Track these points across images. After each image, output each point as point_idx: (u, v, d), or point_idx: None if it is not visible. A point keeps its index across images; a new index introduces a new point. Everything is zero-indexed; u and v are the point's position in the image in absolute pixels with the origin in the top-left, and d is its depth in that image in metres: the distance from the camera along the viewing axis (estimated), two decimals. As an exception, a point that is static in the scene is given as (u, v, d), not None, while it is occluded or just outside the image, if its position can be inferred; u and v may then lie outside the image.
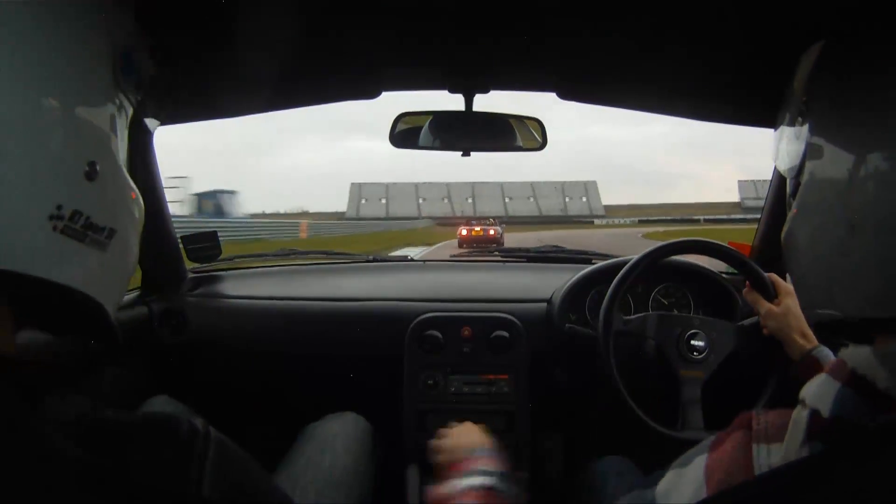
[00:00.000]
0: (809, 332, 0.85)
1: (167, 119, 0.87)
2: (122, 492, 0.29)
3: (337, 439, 0.92)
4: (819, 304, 0.39)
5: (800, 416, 0.35)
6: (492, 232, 16.56)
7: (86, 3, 0.37)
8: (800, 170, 0.40)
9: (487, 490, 0.59)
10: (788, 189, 0.44)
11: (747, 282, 0.92)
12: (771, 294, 0.88)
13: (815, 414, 0.34)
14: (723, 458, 0.38)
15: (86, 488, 0.29)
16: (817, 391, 0.35)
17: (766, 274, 0.90)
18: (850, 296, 0.35)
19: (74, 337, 0.43)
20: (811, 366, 0.81)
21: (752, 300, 0.90)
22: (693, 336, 0.89)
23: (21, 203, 0.32)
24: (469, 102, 0.98)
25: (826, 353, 0.83)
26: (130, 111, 0.42)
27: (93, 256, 0.36)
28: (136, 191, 0.42)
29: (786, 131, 0.43)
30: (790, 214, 0.42)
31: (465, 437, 0.73)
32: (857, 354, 0.34)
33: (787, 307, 0.85)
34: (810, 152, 0.39)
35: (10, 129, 0.31)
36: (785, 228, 0.44)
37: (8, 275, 0.31)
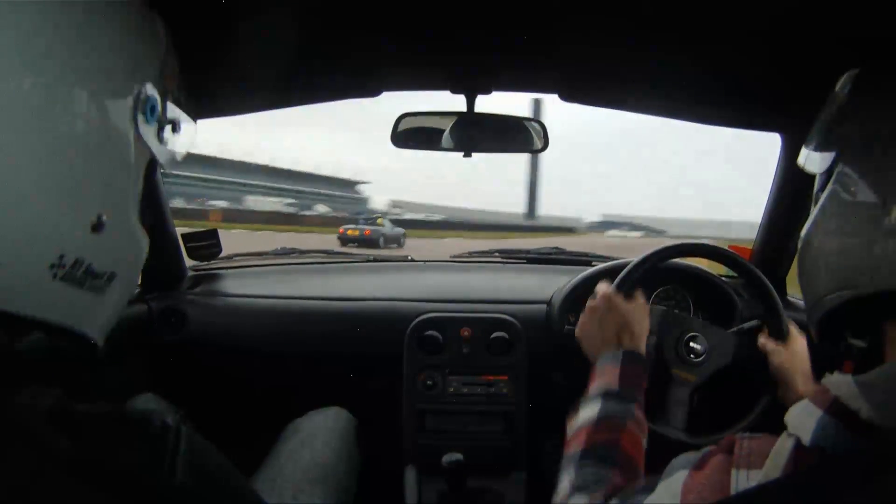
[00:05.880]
0: (811, 376, 0.85)
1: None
2: (101, 479, 0.30)
3: (317, 434, 0.92)
4: (832, 288, 0.41)
5: (783, 445, 0.35)
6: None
7: (108, 53, 0.36)
8: (830, 168, 0.42)
9: (599, 422, 0.61)
10: (816, 186, 0.46)
11: (764, 329, 0.91)
12: (778, 317, 0.88)
13: (798, 444, 0.34)
14: (701, 479, 0.39)
15: (70, 473, 0.29)
16: (799, 417, 0.35)
17: (785, 319, 0.89)
18: (879, 270, 0.37)
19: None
20: None
21: (762, 343, 0.89)
22: (692, 339, 0.89)
23: (24, 251, 0.32)
24: (471, 103, 0.98)
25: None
26: (149, 158, 0.42)
27: (88, 299, 0.37)
28: (142, 234, 0.42)
29: (822, 135, 0.45)
30: (815, 207, 0.45)
31: (597, 328, 0.75)
32: (839, 382, 0.34)
33: (794, 349, 0.85)
34: (845, 149, 0.41)
35: (22, 180, 0.31)
36: (810, 221, 0.46)
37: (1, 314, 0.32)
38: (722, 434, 0.83)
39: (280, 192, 50.37)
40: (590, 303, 0.79)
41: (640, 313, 0.78)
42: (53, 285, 0.34)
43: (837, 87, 0.44)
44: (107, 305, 0.39)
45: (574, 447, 0.60)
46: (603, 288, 0.80)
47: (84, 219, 0.35)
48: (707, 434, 0.86)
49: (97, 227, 0.35)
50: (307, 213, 39.28)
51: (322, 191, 57.20)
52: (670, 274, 1.14)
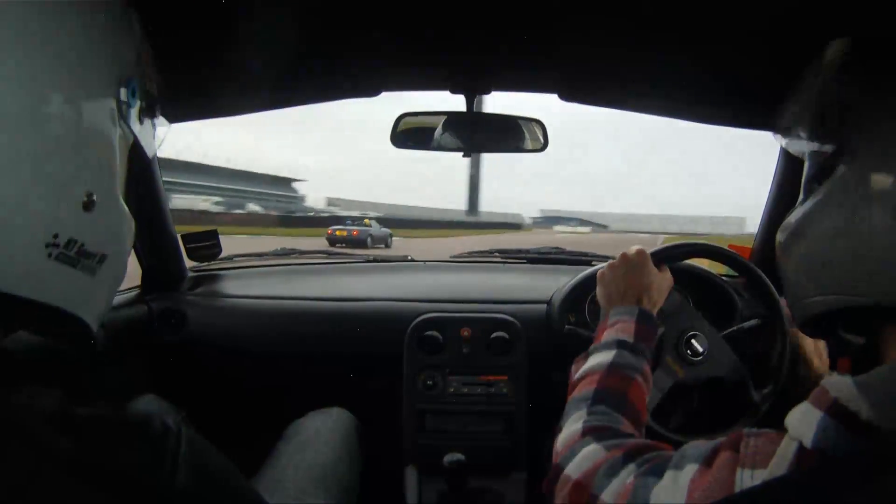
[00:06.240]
0: (825, 357, 0.88)
1: (171, 119, 0.87)
2: (101, 480, 0.30)
3: (319, 435, 0.92)
4: (828, 290, 0.40)
5: (788, 446, 0.35)
6: None
7: (91, 34, 0.37)
8: (830, 155, 0.41)
9: (611, 368, 0.61)
10: (807, 173, 0.44)
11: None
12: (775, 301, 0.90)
13: (801, 447, 0.34)
14: (708, 478, 0.39)
15: (69, 474, 0.29)
16: (800, 420, 0.35)
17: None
18: (879, 279, 0.36)
19: (56, 338, 0.43)
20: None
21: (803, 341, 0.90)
22: (696, 337, 0.89)
23: (20, 230, 0.33)
24: (470, 103, 0.98)
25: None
26: (131, 139, 0.43)
27: (82, 280, 0.37)
28: (129, 215, 0.43)
29: (813, 117, 0.44)
30: (810, 198, 0.43)
31: (621, 280, 0.74)
32: (839, 383, 0.34)
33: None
34: (850, 140, 0.39)
35: (13, 160, 0.32)
36: (801, 210, 0.44)
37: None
38: (683, 436, 0.84)
39: (208, 191, 49.07)
40: (624, 253, 0.78)
41: (664, 284, 0.78)
42: (48, 265, 0.34)
43: (827, 56, 0.42)
44: (99, 287, 0.40)
45: (585, 388, 0.59)
46: (639, 246, 0.80)
47: (75, 198, 0.35)
48: (671, 429, 0.87)
49: (88, 205, 0.36)
50: (238, 211, 38.25)
51: (254, 189, 56.42)
52: (671, 273, 1.14)
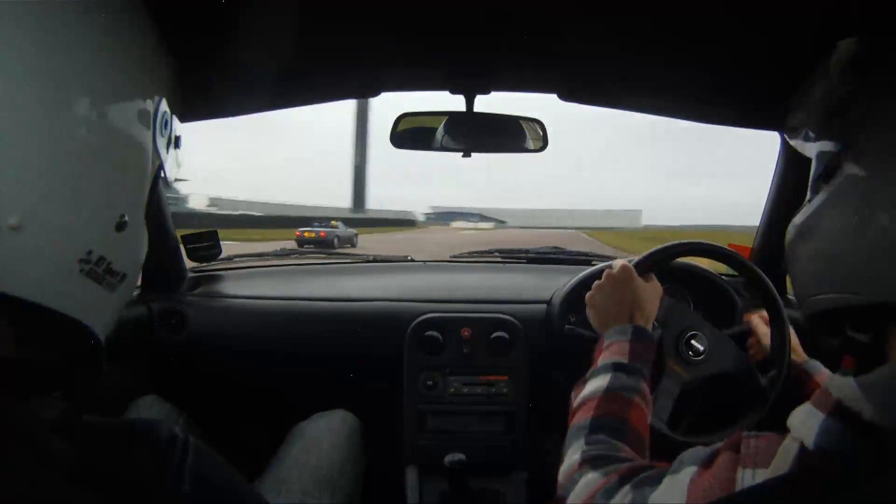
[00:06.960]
0: (798, 350, 0.90)
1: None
2: (105, 488, 0.30)
3: (324, 437, 0.93)
4: (834, 288, 0.40)
5: (790, 445, 0.35)
6: None
7: (135, 66, 0.40)
8: (835, 155, 0.41)
9: (609, 392, 0.62)
10: (813, 172, 0.45)
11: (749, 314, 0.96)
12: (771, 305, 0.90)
13: (802, 448, 0.34)
14: (708, 478, 0.39)
15: (72, 481, 0.29)
16: (802, 421, 0.35)
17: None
18: (884, 278, 0.36)
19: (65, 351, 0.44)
20: (801, 378, 0.87)
21: (755, 323, 0.94)
22: (695, 337, 0.89)
23: (58, 246, 0.34)
24: (470, 103, 0.98)
25: (816, 366, 0.87)
26: (158, 166, 0.45)
27: (103, 295, 0.39)
28: (147, 238, 0.45)
29: (820, 118, 0.44)
30: (817, 197, 0.43)
31: (609, 300, 0.75)
32: (841, 384, 0.34)
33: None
34: (854, 140, 0.39)
35: (59, 179, 0.34)
36: (808, 209, 0.44)
37: (27, 304, 0.34)
38: (700, 437, 0.83)
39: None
40: (607, 272, 0.78)
41: (653, 294, 0.78)
42: (79, 279, 0.36)
43: (833, 62, 0.42)
44: (115, 304, 0.41)
45: (583, 417, 0.60)
46: (622, 262, 0.80)
47: (111, 217, 0.37)
48: (687, 433, 0.86)
49: (121, 226, 0.38)
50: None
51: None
52: (671, 272, 1.14)
